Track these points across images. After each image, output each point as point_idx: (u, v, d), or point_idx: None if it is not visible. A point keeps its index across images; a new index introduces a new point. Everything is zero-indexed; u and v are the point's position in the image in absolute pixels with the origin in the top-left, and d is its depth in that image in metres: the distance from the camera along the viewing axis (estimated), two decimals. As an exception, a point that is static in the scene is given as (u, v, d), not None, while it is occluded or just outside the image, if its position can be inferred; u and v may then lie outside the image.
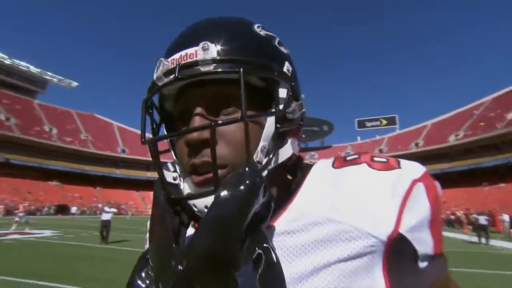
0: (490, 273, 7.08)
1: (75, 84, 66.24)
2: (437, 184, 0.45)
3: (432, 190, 0.42)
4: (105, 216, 11.06)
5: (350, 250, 0.39)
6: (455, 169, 42.11)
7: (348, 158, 0.47)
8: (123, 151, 57.86)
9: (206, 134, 0.41)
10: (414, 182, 0.41)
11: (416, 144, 50.07)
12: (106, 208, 11.53)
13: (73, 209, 34.19)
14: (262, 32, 0.48)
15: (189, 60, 0.42)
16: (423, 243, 0.41)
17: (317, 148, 65.32)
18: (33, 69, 58.59)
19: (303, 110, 0.48)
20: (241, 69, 0.41)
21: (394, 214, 0.39)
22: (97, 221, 11.16)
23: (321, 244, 0.40)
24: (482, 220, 12.56)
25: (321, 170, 0.48)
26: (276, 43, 0.49)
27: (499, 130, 36.71)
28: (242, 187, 0.37)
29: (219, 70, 0.41)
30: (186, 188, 0.46)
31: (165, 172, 0.46)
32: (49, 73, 61.54)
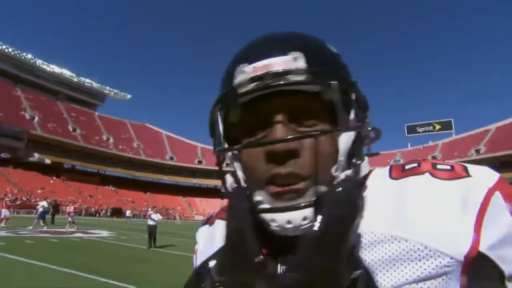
0: None
1: (129, 96, 72.36)
2: None
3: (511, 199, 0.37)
4: (151, 222, 11.39)
5: (421, 270, 0.35)
6: (526, 178, 37.30)
7: (407, 167, 0.43)
8: (171, 159, 61.17)
9: (293, 144, 0.40)
10: (490, 191, 0.37)
11: (477, 151, 45.41)
12: (153, 216, 11.73)
13: (128, 213, 36.80)
14: (334, 49, 0.48)
15: (279, 68, 0.41)
16: (510, 262, 0.36)
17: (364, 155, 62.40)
18: (95, 84, 65.42)
19: (370, 126, 0.46)
20: (335, 83, 0.41)
21: (470, 229, 0.35)
22: (146, 225, 11.72)
23: (386, 264, 0.37)
24: None
25: (378, 182, 0.44)
26: (343, 60, 0.49)
27: None
28: (347, 204, 0.38)
29: (311, 81, 0.41)
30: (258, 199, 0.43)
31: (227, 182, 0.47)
32: (107, 88, 68.09)
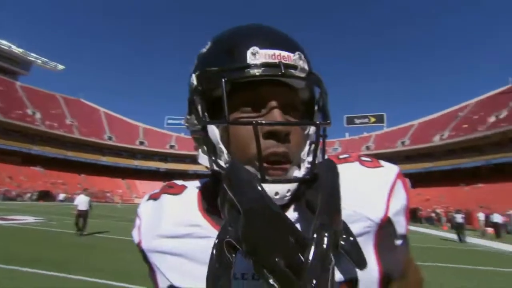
0: (465, 268, 7.44)
1: (61, 67, 64.17)
2: (407, 180, 0.56)
3: (406, 184, 0.53)
4: (81, 206, 10.24)
5: (355, 230, 0.43)
6: (438, 168, 43.43)
7: (341, 156, 0.57)
8: (110, 139, 56.83)
9: (290, 128, 0.48)
10: (397, 176, 0.52)
11: (403, 143, 51.20)
12: (78, 198, 10.62)
13: (61, 196, 33.37)
14: None
15: (290, 62, 0.48)
16: (401, 225, 0.51)
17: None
18: (15, 49, 56.29)
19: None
20: (323, 85, 0.52)
21: (384, 201, 0.49)
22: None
23: None
24: (459, 218, 13.10)
25: None
26: None
27: (480, 133, 37.97)
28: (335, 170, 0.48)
29: (306, 80, 0.50)
30: None
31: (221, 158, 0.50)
32: (33, 54, 59.38)
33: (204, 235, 0.50)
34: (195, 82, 0.52)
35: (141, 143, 59.54)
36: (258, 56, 0.47)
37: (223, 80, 0.46)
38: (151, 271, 0.55)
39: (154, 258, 0.53)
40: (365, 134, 62.78)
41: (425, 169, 44.58)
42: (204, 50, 0.54)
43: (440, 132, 46.05)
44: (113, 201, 42.13)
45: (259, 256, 0.36)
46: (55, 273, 5.07)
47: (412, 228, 21.53)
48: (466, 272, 7.06)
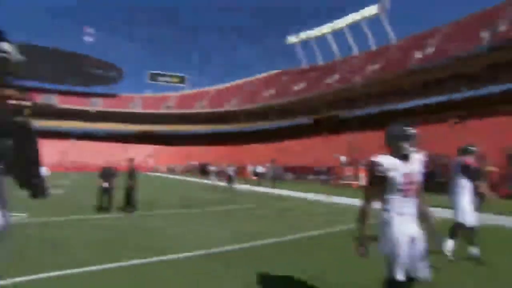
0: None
1: None
2: None
3: None
4: None
5: None
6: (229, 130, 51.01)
7: None
8: None
9: None
10: None
11: (201, 106, 55.64)
12: None
13: None
14: None
15: None
16: None
17: (100, 95, 57.61)
18: None
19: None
20: None
21: None
22: None
23: None
24: (230, 171, 15.67)
25: None
26: None
27: (259, 104, 47.63)
28: None
29: None
30: None
31: None
32: None
33: None
34: None
35: None
36: None
37: None
38: None
39: None
40: (166, 93, 62.86)
41: (220, 129, 51.57)
42: None
43: (231, 99, 53.62)
44: None
45: None
46: None
47: (201, 180, 23.97)
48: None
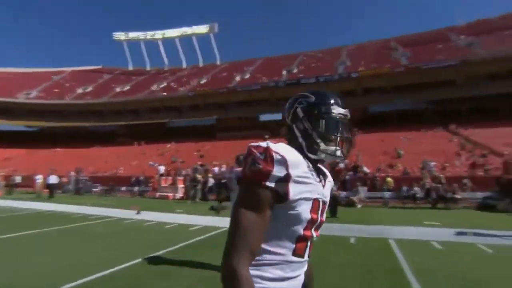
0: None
1: None
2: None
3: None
4: None
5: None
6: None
7: None
8: None
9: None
10: None
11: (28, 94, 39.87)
12: None
13: None
14: None
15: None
16: None
17: None
18: None
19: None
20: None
21: None
22: None
23: None
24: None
25: None
26: None
27: (67, 100, 39.23)
28: None
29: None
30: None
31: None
32: None
33: None
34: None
35: None
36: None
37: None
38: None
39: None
40: None
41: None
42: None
43: (25, 90, 41.49)
44: None
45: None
46: None
47: None
48: None
